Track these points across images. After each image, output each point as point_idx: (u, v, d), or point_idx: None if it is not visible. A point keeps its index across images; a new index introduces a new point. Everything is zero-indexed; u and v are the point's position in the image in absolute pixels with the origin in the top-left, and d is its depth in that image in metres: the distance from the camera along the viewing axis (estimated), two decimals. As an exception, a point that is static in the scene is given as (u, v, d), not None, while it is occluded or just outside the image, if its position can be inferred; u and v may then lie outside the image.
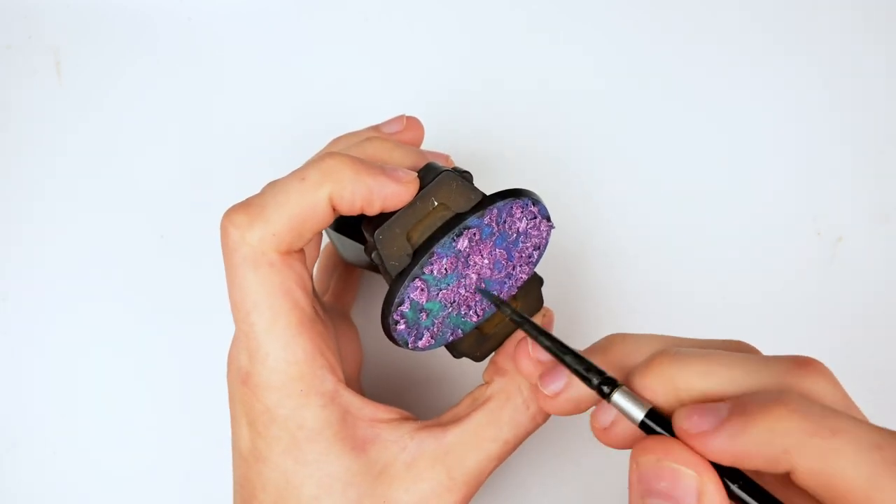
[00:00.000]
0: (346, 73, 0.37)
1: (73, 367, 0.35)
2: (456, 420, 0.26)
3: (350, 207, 0.23)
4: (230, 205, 0.24)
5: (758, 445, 0.18)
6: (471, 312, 0.26)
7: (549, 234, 0.26)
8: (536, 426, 0.26)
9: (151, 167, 0.36)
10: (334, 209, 0.24)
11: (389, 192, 0.23)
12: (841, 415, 0.18)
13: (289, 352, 0.24)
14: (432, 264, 0.24)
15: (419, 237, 0.25)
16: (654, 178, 0.36)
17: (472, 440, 0.25)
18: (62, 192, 0.36)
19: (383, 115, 0.29)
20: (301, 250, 0.24)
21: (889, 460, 0.16)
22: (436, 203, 0.25)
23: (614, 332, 0.24)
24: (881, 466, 0.16)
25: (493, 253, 0.25)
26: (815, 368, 0.19)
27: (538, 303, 0.27)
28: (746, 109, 0.36)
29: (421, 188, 0.24)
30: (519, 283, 0.26)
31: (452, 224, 0.24)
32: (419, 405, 0.34)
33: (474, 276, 0.25)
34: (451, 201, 0.25)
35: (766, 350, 0.21)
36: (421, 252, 0.24)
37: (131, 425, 0.35)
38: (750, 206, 0.36)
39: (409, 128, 0.28)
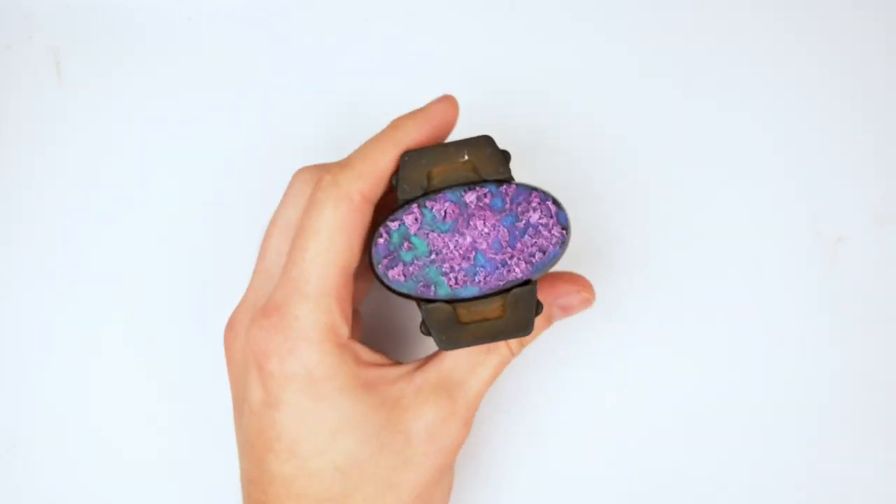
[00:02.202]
0: (347, 73, 0.37)
1: (74, 367, 0.35)
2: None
3: (418, 136, 0.26)
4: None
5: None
6: (450, 275, 0.26)
7: (559, 244, 0.26)
8: (522, 346, 0.28)
9: (153, 167, 0.36)
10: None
11: (439, 107, 0.27)
12: None
13: (326, 284, 0.25)
14: (436, 201, 0.25)
15: (438, 179, 0.26)
16: (650, 177, 0.36)
17: (467, 364, 0.27)
18: (63, 193, 0.36)
19: (388, 114, 0.29)
20: (375, 206, 0.26)
21: None
22: (466, 157, 0.26)
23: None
24: None
25: (497, 229, 0.26)
26: None
27: (523, 323, 0.26)
28: (746, 108, 0.36)
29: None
30: (511, 278, 0.26)
31: (469, 182, 0.26)
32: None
33: (469, 239, 0.26)
34: (479, 163, 0.26)
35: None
36: (432, 189, 0.25)
37: (132, 421, 0.35)
38: (749, 206, 0.36)
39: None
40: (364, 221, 0.26)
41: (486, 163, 0.26)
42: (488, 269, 0.25)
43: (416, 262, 0.26)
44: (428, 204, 0.25)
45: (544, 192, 0.26)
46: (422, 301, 0.26)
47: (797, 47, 0.36)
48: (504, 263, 0.26)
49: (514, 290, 0.26)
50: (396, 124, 0.26)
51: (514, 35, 0.37)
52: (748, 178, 0.36)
